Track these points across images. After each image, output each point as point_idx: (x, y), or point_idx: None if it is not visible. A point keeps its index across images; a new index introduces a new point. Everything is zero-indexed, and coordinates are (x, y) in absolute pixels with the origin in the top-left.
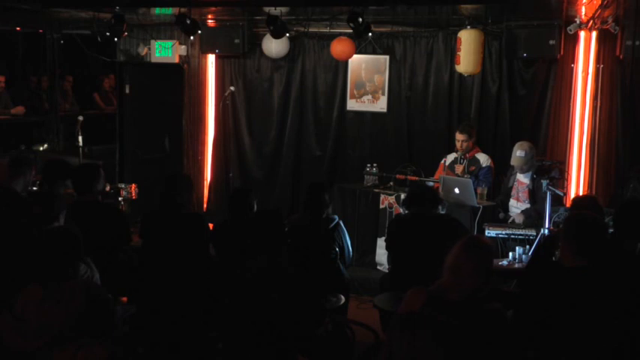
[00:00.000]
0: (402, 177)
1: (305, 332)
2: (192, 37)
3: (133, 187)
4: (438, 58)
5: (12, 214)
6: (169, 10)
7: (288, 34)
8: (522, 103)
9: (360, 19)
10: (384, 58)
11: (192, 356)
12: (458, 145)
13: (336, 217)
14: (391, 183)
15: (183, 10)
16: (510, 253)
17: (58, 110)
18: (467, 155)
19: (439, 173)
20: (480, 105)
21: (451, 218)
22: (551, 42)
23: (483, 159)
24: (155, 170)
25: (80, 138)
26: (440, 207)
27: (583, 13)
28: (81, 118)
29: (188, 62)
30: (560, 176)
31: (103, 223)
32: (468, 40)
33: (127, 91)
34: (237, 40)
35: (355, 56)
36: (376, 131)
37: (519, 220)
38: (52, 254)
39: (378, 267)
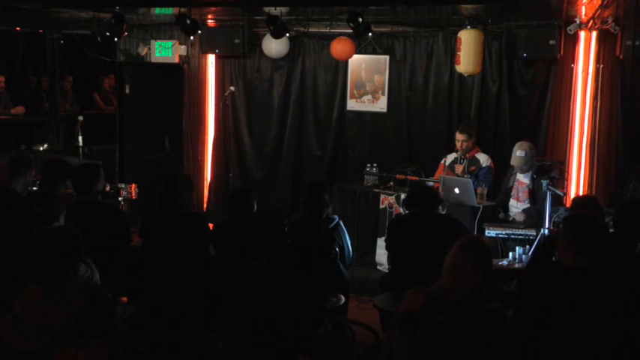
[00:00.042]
0: (402, 177)
1: (305, 332)
2: (192, 37)
3: (133, 187)
4: (438, 58)
5: (12, 214)
6: (169, 10)
7: (288, 34)
8: (522, 103)
9: (360, 19)
10: (384, 58)
11: (192, 356)
12: (458, 145)
13: (336, 217)
14: (391, 183)
15: (183, 10)
16: (510, 253)
17: (58, 110)
18: (467, 155)
19: (439, 173)
20: (480, 105)
21: (451, 218)
22: (551, 42)
23: (483, 159)
24: (155, 170)
25: (80, 138)
26: (440, 207)
27: (583, 13)
28: (81, 118)
29: (188, 62)
30: (560, 176)
31: (103, 223)
32: (467, 40)
33: (127, 91)
34: (237, 40)
35: (355, 56)
36: (376, 131)
37: (520, 218)
38: (52, 254)
39: (378, 267)
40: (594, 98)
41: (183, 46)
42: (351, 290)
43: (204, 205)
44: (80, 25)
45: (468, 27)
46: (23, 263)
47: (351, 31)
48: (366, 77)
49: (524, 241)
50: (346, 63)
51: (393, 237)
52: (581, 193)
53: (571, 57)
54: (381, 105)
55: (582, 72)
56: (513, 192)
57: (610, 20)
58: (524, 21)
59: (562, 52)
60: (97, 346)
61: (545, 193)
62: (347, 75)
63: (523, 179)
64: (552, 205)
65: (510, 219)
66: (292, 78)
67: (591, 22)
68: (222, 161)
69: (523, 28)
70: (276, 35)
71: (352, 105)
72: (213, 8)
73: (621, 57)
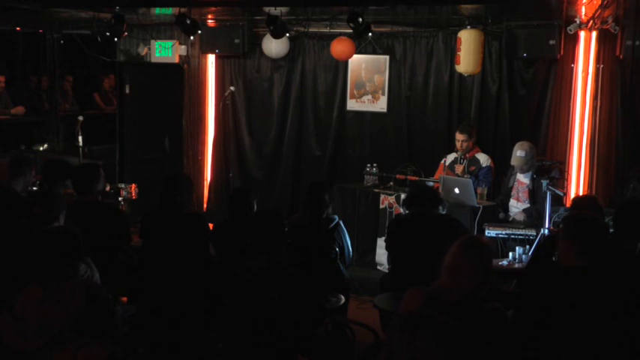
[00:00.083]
0: (402, 177)
1: (305, 332)
2: (192, 37)
3: (133, 187)
4: (438, 58)
5: (12, 214)
6: (169, 10)
7: (288, 34)
8: (522, 103)
9: (360, 19)
10: (384, 58)
11: (192, 356)
12: (458, 145)
13: (336, 217)
14: (391, 183)
15: (183, 10)
16: (510, 253)
17: (58, 110)
18: (467, 155)
19: (439, 173)
20: (480, 105)
21: (451, 218)
22: (551, 42)
23: (483, 159)
24: (155, 170)
25: (80, 138)
26: (440, 207)
27: (583, 13)
28: (81, 118)
29: (188, 62)
30: (560, 176)
31: (103, 223)
32: (468, 40)
33: (127, 91)
34: (237, 40)
35: (355, 56)
36: (376, 131)
37: (520, 218)
38: (52, 254)
39: (378, 267)
40: (594, 98)
41: (183, 46)
42: (351, 290)
43: (204, 205)
44: (80, 25)
45: (468, 27)
46: (23, 263)
47: (351, 31)
48: (366, 77)
49: (524, 241)
50: (346, 63)
51: (393, 237)
52: (581, 193)
53: (571, 57)
54: (381, 105)
55: (582, 72)
56: (513, 192)
57: (610, 20)
58: (524, 21)
59: (562, 52)
60: (97, 346)
61: (545, 193)
62: (347, 75)
63: (523, 179)
64: (552, 205)
65: (510, 219)
66: (292, 78)
67: (591, 22)
68: (222, 161)
69: (523, 28)
70: (276, 35)
71: (352, 105)
72: (213, 8)
73: (621, 57)
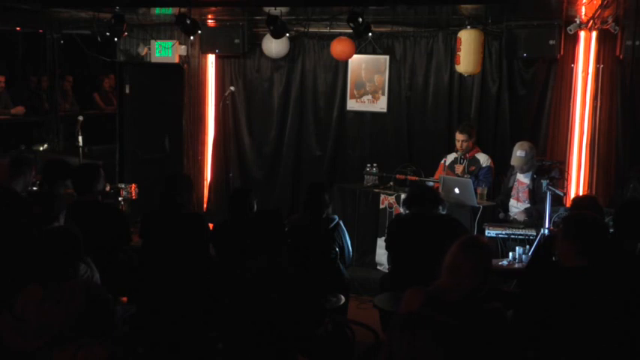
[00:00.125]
0: (402, 177)
1: (305, 332)
2: (192, 37)
3: (133, 187)
4: (438, 58)
5: (12, 214)
6: (169, 10)
7: (288, 34)
8: (522, 103)
9: (360, 19)
10: (384, 58)
11: (192, 356)
12: (458, 145)
13: (336, 217)
14: (391, 183)
15: (183, 10)
16: (510, 253)
17: (58, 110)
18: (467, 155)
19: (439, 173)
20: (480, 105)
21: (451, 218)
22: (551, 42)
23: (483, 159)
24: (155, 170)
25: (80, 138)
26: (440, 207)
27: (583, 13)
28: (81, 118)
29: (188, 62)
30: (560, 176)
31: (103, 223)
32: (468, 40)
33: (127, 91)
34: (237, 40)
35: (355, 56)
36: (376, 131)
37: (521, 218)
38: (52, 254)
39: (378, 267)
40: (594, 98)
41: (183, 46)
42: (351, 290)
43: (204, 205)
44: (80, 25)
45: (468, 27)
46: (23, 263)
47: (351, 31)
48: (366, 77)
49: (524, 241)
50: (346, 63)
51: (393, 237)
52: (581, 193)
53: (571, 57)
54: (381, 105)
55: (582, 72)
56: (513, 192)
57: (610, 20)
58: (524, 21)
59: (562, 52)
60: (97, 346)
61: (545, 193)
62: (347, 75)
63: (523, 179)
64: (552, 205)
65: (511, 219)
66: (292, 78)
67: (591, 22)
68: (222, 161)
69: (523, 28)
70: (276, 35)
71: (352, 105)
72: (213, 8)
73: (621, 57)
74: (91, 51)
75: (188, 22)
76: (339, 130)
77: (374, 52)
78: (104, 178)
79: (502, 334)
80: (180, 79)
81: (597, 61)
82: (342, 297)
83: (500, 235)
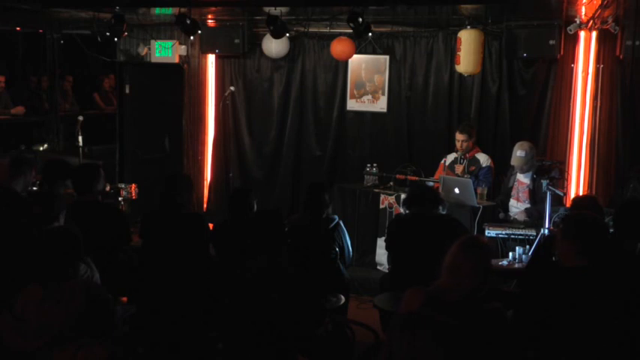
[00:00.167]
0: (402, 177)
1: (305, 332)
2: (192, 37)
3: (133, 187)
4: (438, 58)
5: (12, 214)
6: (169, 10)
7: (288, 34)
8: (522, 103)
9: (360, 19)
10: (384, 58)
11: (192, 356)
12: (458, 145)
13: (336, 217)
14: (391, 183)
15: (183, 10)
16: (510, 253)
17: (58, 110)
18: (467, 155)
19: (439, 173)
20: (480, 105)
21: (451, 218)
22: (551, 42)
23: (483, 159)
24: (155, 170)
25: (80, 138)
26: (440, 207)
27: (583, 13)
28: (81, 118)
29: (188, 62)
30: (560, 176)
31: (103, 223)
32: (468, 40)
33: (127, 91)
34: (237, 40)
35: (355, 56)
36: (376, 131)
37: (521, 218)
38: (52, 254)
39: (378, 267)
40: (594, 98)
41: (183, 46)
42: (351, 290)
43: (204, 205)
44: (80, 25)
45: (468, 27)
46: (23, 263)
47: (351, 31)
48: (366, 77)
49: (524, 241)
50: (346, 63)
51: (393, 237)
52: (581, 193)
53: (571, 57)
54: (381, 105)
55: (582, 72)
56: (513, 192)
57: (610, 20)
58: (524, 21)
59: (562, 52)
60: (97, 346)
61: (545, 193)
62: (347, 75)
63: (523, 179)
64: (552, 205)
65: (511, 219)
66: (292, 78)
67: (591, 22)
68: (222, 161)
69: (523, 28)
70: (276, 35)
71: (352, 105)
72: (213, 8)
73: (621, 57)
74: (91, 51)
75: (188, 22)
76: (339, 130)
77: (374, 52)
78: (104, 178)
79: (502, 334)
80: (180, 79)
81: (597, 61)
82: (342, 297)
83: (500, 235)
